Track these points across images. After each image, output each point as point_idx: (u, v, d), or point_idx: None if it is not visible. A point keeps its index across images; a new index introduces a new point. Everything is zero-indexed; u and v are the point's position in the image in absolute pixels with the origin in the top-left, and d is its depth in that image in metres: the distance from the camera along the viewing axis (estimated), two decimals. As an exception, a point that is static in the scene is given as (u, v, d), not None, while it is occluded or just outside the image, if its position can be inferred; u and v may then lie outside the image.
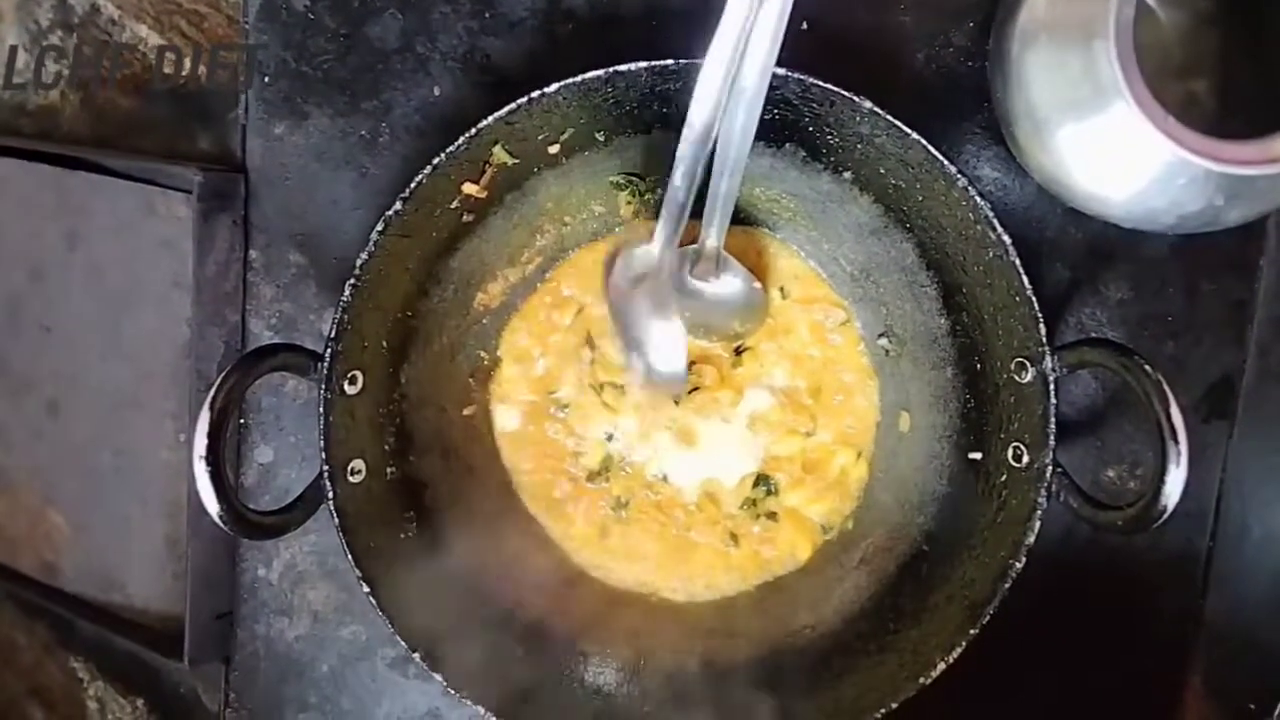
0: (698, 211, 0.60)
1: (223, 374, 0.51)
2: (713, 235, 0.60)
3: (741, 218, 0.65)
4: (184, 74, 0.72)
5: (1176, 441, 0.49)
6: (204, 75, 0.71)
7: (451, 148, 0.55)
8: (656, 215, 0.65)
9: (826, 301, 0.67)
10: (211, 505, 0.50)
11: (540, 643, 0.64)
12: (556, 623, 0.65)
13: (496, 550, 0.66)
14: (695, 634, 0.66)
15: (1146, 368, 0.50)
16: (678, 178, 0.54)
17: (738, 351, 0.67)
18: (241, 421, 0.70)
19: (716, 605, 0.67)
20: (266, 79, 0.67)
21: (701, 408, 0.67)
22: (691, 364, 0.67)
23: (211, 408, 0.50)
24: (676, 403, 0.67)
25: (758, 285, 0.64)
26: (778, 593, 0.67)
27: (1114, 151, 0.50)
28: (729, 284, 0.63)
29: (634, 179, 0.64)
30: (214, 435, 0.50)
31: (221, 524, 0.51)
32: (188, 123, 0.72)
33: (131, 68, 0.73)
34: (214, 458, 0.50)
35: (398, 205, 0.55)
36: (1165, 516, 0.50)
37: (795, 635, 0.64)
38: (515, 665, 0.62)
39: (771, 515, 0.67)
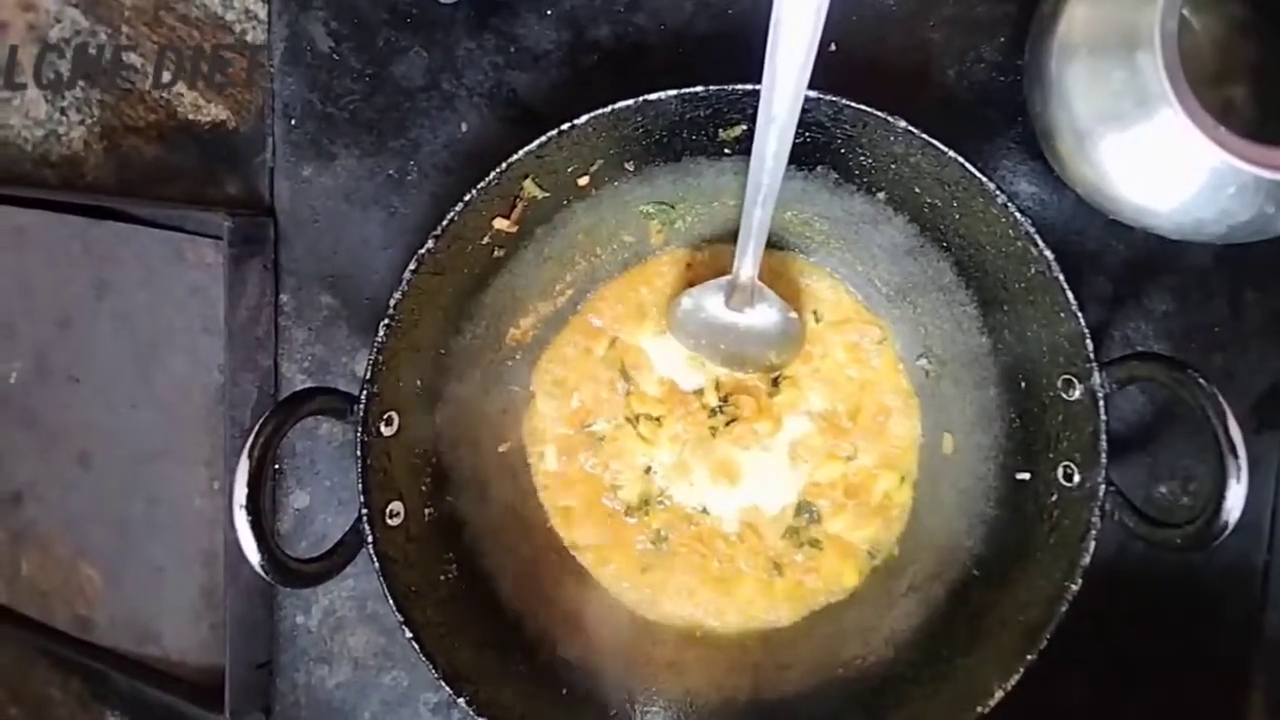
0: (731, 238, 0.59)
1: (261, 420, 0.51)
2: (747, 265, 0.59)
3: (772, 242, 0.64)
4: (209, 119, 0.72)
5: (1236, 455, 0.48)
6: (229, 119, 0.71)
7: (483, 183, 0.54)
8: (686, 243, 0.66)
9: (861, 321, 0.66)
10: (253, 554, 0.49)
11: (585, 681, 0.63)
12: (601, 661, 0.64)
13: (537, 589, 0.65)
14: (743, 667, 0.64)
15: (1201, 381, 0.49)
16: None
17: (774, 382, 0.66)
18: (276, 467, 0.69)
19: (763, 637, 0.66)
20: (293, 121, 0.67)
21: (740, 439, 0.66)
22: (728, 396, 0.66)
23: (250, 455, 0.50)
24: (714, 434, 0.66)
25: (794, 315, 0.63)
26: (826, 622, 0.65)
27: (1160, 162, 0.49)
28: (765, 315, 0.62)
29: (664, 207, 0.63)
30: (254, 483, 0.49)
31: (263, 573, 0.50)
32: (214, 168, 0.72)
33: (155, 115, 0.73)
34: (254, 506, 0.49)
35: (430, 243, 0.55)
36: (1227, 532, 0.48)
37: (846, 666, 0.63)
38: (560, 705, 0.61)
39: (815, 543, 0.66)
